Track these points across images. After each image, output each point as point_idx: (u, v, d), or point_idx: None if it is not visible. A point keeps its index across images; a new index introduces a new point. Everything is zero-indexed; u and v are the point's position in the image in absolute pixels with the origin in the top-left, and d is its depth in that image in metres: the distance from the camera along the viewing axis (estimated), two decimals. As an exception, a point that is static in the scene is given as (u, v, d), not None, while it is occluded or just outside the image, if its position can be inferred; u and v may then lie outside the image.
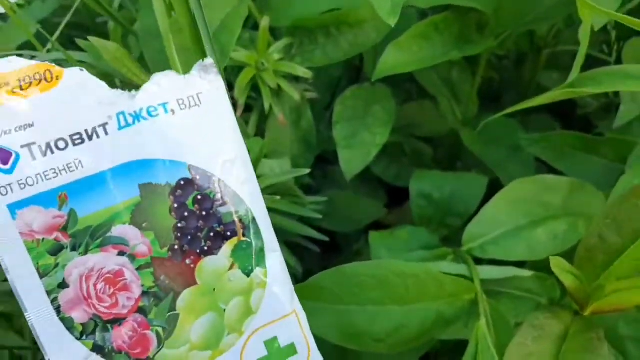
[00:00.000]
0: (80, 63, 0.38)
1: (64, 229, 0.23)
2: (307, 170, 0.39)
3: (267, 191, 0.39)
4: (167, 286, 0.24)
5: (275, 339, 0.25)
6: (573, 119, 0.53)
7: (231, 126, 0.25)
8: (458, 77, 0.49)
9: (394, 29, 0.39)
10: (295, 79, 0.43)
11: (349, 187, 0.51)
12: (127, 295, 0.24)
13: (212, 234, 0.24)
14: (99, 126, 0.23)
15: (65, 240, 0.23)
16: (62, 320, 0.23)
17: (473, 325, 0.32)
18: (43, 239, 0.23)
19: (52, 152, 0.22)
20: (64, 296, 0.23)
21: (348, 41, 0.41)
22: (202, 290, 0.24)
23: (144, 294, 0.24)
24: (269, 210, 0.39)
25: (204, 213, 0.24)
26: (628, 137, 0.41)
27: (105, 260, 0.23)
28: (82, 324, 0.23)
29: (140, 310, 0.24)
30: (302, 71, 0.41)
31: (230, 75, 0.42)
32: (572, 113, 0.53)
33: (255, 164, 0.39)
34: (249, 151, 0.39)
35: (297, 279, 0.39)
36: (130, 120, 0.23)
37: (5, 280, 0.40)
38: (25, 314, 0.23)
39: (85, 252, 0.23)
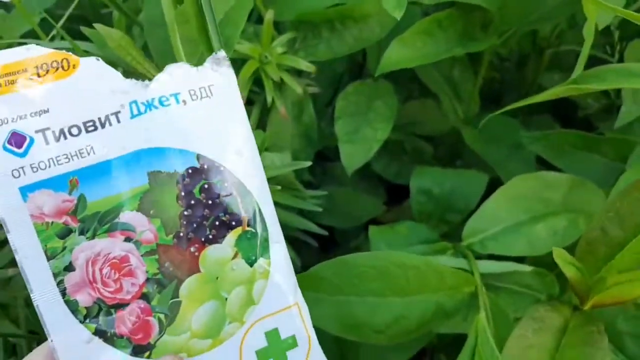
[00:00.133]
0: (85, 52, 0.38)
1: (73, 213, 0.23)
2: (308, 163, 0.39)
3: (268, 184, 0.39)
4: (171, 273, 0.24)
5: (276, 330, 0.25)
6: (574, 120, 0.53)
7: (241, 118, 0.26)
8: (460, 75, 0.49)
9: (397, 26, 0.39)
10: (298, 74, 0.43)
11: (349, 184, 0.51)
12: (131, 281, 0.24)
13: (217, 223, 0.25)
14: (112, 114, 0.24)
15: (74, 225, 0.23)
16: (67, 302, 0.23)
17: (472, 319, 0.32)
18: (52, 222, 0.23)
19: (65, 138, 0.23)
20: (69, 279, 0.23)
21: (352, 36, 0.41)
22: (205, 279, 0.24)
23: (148, 280, 0.24)
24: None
25: (210, 202, 0.25)
26: (628, 136, 0.42)
27: (112, 245, 0.24)
28: (86, 308, 0.23)
29: (144, 297, 0.24)
30: (305, 65, 0.41)
31: (233, 67, 0.42)
32: (573, 114, 0.53)
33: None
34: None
35: (295, 273, 0.39)
36: (142, 109, 0.24)
37: (2, 268, 0.40)
38: (31, 295, 0.23)
39: (93, 237, 0.23)
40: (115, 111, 0.24)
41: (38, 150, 0.23)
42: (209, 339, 0.25)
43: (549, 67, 0.52)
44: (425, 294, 0.32)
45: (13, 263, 0.39)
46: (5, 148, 0.22)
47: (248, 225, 0.25)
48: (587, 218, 0.37)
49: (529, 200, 0.38)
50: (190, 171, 0.24)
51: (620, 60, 0.45)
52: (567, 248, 0.35)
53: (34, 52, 0.23)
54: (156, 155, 0.24)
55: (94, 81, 0.24)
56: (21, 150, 0.22)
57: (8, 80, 0.23)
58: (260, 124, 0.44)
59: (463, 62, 0.49)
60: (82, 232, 0.23)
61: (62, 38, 0.40)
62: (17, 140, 0.22)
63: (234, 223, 0.25)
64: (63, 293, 0.23)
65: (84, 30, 0.39)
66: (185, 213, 0.24)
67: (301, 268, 0.42)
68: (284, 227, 0.42)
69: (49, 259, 0.23)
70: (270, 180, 0.39)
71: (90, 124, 0.23)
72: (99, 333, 0.23)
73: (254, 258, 0.25)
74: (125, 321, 0.24)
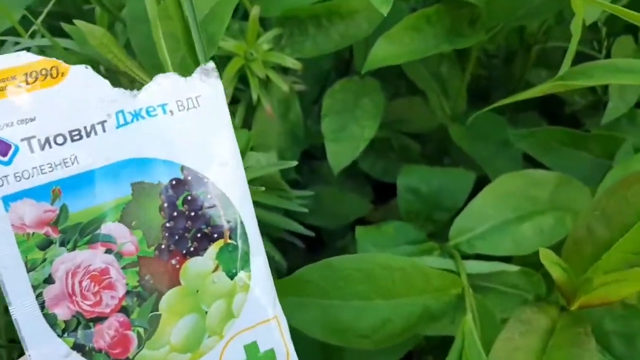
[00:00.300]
0: (65, 50, 0.37)
1: (55, 223, 0.23)
2: (294, 163, 0.38)
3: (253, 184, 0.38)
4: (151, 286, 0.24)
5: (255, 343, 0.25)
6: (561, 116, 0.53)
7: (227, 130, 0.26)
8: (447, 72, 0.48)
9: (384, 22, 0.39)
10: (284, 71, 0.43)
11: (336, 183, 0.51)
12: (111, 294, 0.23)
13: (199, 235, 0.24)
14: (98, 123, 0.23)
15: (55, 236, 0.23)
16: (46, 316, 0.23)
17: (459, 321, 0.32)
18: (33, 233, 0.23)
19: (50, 147, 0.23)
20: (49, 292, 0.23)
21: (339, 32, 0.40)
22: (185, 292, 0.24)
23: (128, 293, 0.24)
24: (255, 202, 0.39)
25: (192, 214, 0.24)
26: (615, 133, 0.42)
27: (93, 257, 0.23)
28: (64, 321, 0.23)
29: (123, 310, 0.24)
30: (291, 62, 0.40)
31: (218, 65, 0.42)
32: (560, 111, 0.53)
33: (242, 156, 0.39)
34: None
35: (282, 275, 0.39)
36: (129, 118, 0.24)
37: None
38: (10, 307, 0.22)
39: (74, 249, 0.23)
40: (101, 120, 0.23)
41: (23, 159, 0.22)
42: (188, 353, 0.24)
43: (536, 63, 0.52)
44: (412, 296, 0.32)
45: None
46: None
47: (230, 238, 0.25)
48: (573, 216, 0.36)
49: (516, 199, 0.38)
50: (174, 182, 0.24)
51: (608, 56, 0.45)
52: (553, 247, 0.35)
53: (24, 60, 0.23)
54: (141, 166, 0.24)
55: (82, 89, 0.23)
56: (6, 159, 0.22)
57: None
58: (245, 123, 0.44)
59: (450, 58, 0.48)
60: (62, 244, 0.23)
61: (43, 36, 0.39)
62: (2, 148, 0.22)
63: (215, 235, 0.25)
64: (42, 306, 0.23)
65: (65, 27, 0.38)
66: (168, 225, 0.24)
67: (288, 269, 0.42)
68: (270, 228, 0.41)
69: (28, 270, 0.22)
70: (256, 180, 0.39)
71: (76, 132, 0.23)
72: (77, 347, 0.23)
73: (234, 271, 0.25)
74: (103, 335, 0.23)
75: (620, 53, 0.43)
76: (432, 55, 0.41)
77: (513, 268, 0.35)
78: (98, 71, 0.41)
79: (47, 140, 0.23)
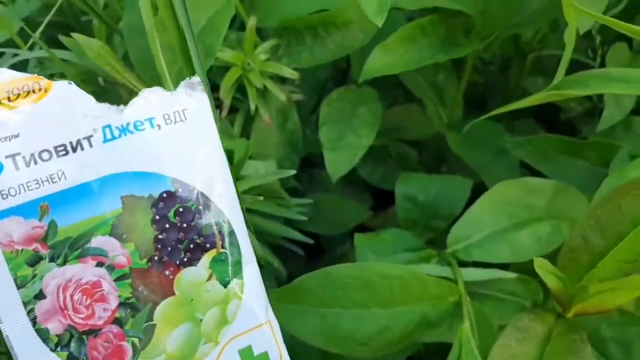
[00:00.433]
0: (64, 61, 0.38)
1: (44, 239, 0.23)
2: (293, 172, 0.38)
3: (252, 192, 0.39)
4: (145, 297, 0.24)
5: (249, 347, 0.26)
6: (557, 123, 0.53)
7: (214, 141, 0.26)
8: (444, 80, 0.49)
9: (380, 32, 0.39)
10: (281, 81, 0.43)
11: (335, 190, 0.51)
12: (103, 306, 0.24)
13: (191, 246, 0.25)
14: (84, 138, 0.23)
15: (44, 251, 0.23)
16: (38, 331, 0.23)
17: (457, 328, 0.32)
18: (22, 250, 0.23)
19: (36, 163, 0.23)
20: (40, 307, 0.23)
21: (335, 42, 0.41)
22: (180, 301, 0.25)
23: (121, 304, 0.24)
24: (254, 211, 0.39)
25: (184, 225, 0.25)
26: (611, 140, 0.42)
27: (83, 271, 0.23)
28: (57, 335, 0.23)
29: (117, 321, 0.24)
30: (288, 72, 0.41)
31: (216, 75, 0.42)
32: (556, 118, 0.53)
33: (240, 165, 0.39)
34: (233, 153, 0.38)
35: (281, 282, 0.39)
36: (116, 133, 0.24)
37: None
38: (1, 325, 0.23)
39: (64, 263, 0.23)
40: (87, 135, 0.23)
41: (8, 177, 0.22)
42: None
43: (532, 71, 0.52)
44: (410, 304, 0.32)
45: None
46: None
47: (222, 247, 0.25)
48: (570, 224, 0.37)
49: (513, 206, 0.38)
50: (164, 195, 0.24)
51: (603, 63, 0.46)
52: (550, 254, 0.36)
53: (6, 77, 0.23)
54: (130, 179, 0.24)
55: (65, 105, 0.23)
56: None
57: None
58: (244, 132, 0.44)
59: (447, 67, 0.49)
60: (52, 259, 0.23)
61: (41, 48, 0.40)
62: None
63: (208, 245, 0.25)
64: (34, 322, 0.23)
65: (63, 39, 0.38)
66: (160, 237, 0.24)
67: (287, 277, 0.42)
68: (269, 236, 0.42)
69: (19, 287, 0.23)
70: (255, 188, 0.39)
71: (62, 148, 0.23)
72: None
73: (227, 279, 0.25)
74: (97, 347, 0.24)
75: (615, 61, 0.43)
76: (429, 64, 0.41)
77: (510, 275, 0.36)
78: (97, 83, 0.42)
79: (32, 156, 0.23)
